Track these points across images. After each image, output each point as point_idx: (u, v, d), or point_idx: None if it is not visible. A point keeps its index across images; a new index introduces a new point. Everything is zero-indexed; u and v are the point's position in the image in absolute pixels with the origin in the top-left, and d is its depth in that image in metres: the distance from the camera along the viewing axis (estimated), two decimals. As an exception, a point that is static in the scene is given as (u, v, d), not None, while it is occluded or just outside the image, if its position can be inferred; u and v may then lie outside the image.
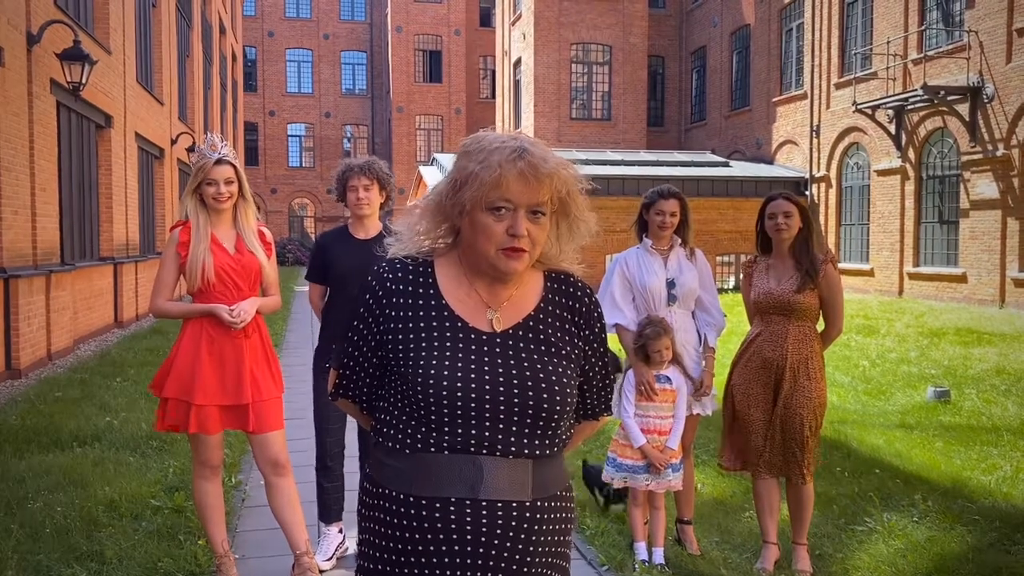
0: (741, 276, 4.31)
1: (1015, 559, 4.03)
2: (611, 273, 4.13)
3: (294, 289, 20.87)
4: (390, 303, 1.67)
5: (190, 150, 20.25)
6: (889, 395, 8.20)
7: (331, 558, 4.07)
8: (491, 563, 1.57)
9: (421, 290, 1.67)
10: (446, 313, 1.65)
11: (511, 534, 1.58)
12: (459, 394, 1.56)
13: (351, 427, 4.23)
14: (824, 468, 4.19)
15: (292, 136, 44.66)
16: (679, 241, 4.11)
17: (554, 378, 1.62)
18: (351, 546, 4.16)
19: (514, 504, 1.58)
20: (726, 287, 21.84)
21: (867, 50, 20.23)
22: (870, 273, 20.24)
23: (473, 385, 1.57)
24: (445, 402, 1.56)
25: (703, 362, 4.15)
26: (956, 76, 17.36)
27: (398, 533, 1.59)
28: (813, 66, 22.41)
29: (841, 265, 19.61)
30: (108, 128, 13.86)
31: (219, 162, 3.50)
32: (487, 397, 1.57)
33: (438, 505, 1.56)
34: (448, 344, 1.61)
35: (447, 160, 25.71)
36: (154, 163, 18.55)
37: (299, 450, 5.31)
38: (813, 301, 3.85)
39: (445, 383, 1.57)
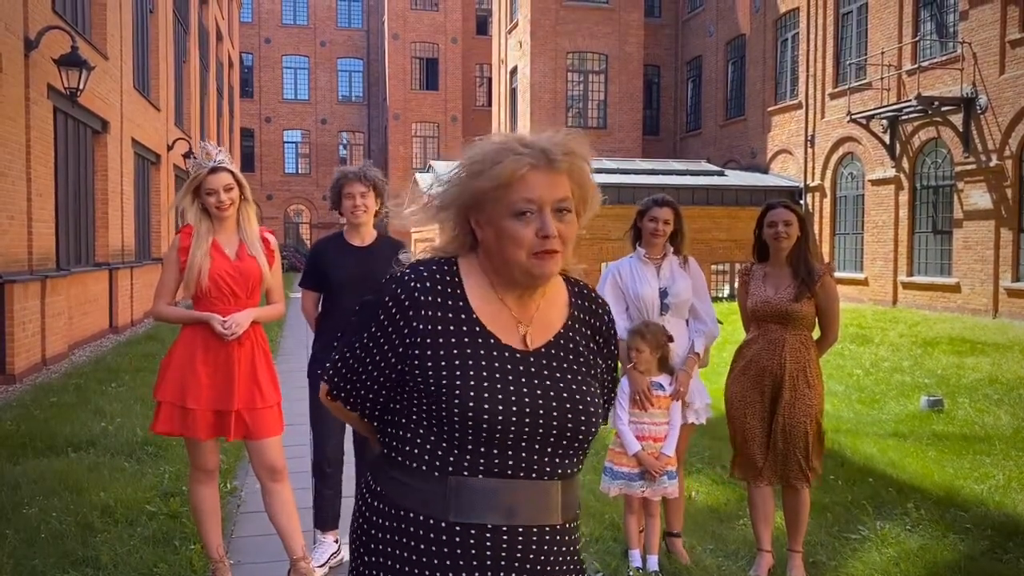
0: (737, 284, 4.33)
1: (1007, 568, 4.06)
2: (603, 282, 4.14)
3: (288, 296, 20.84)
4: (417, 315, 1.53)
5: (186, 156, 20.25)
6: (883, 404, 8.22)
7: (324, 565, 4.04)
8: None
9: (450, 302, 1.55)
10: (477, 328, 1.54)
11: (542, 558, 1.52)
12: (499, 418, 1.47)
13: (349, 433, 4.22)
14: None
15: (288, 143, 44.71)
16: (672, 250, 4.12)
17: (588, 399, 1.56)
18: (345, 555, 4.15)
19: (547, 528, 1.53)
20: (721, 296, 21.88)
21: (861, 60, 20.34)
22: (864, 282, 20.31)
23: (514, 408, 1.48)
24: (485, 427, 1.47)
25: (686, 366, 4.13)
26: (950, 87, 17.47)
27: (424, 559, 1.50)
28: (808, 76, 22.52)
29: (835, 274, 19.66)
30: (104, 134, 13.87)
31: (215, 170, 3.48)
32: (527, 420, 1.49)
33: (473, 532, 1.48)
34: (483, 364, 1.51)
35: (443, 167, 25.71)
36: (150, 169, 18.56)
37: (295, 456, 5.32)
38: (810, 310, 3.87)
39: (486, 406, 1.47)
